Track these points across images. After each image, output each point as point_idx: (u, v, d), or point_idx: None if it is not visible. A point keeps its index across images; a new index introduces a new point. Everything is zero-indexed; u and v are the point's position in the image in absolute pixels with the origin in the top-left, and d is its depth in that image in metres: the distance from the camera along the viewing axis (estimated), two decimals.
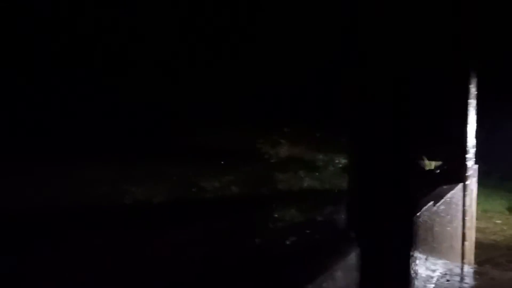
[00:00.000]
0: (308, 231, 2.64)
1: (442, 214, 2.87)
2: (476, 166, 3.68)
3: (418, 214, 2.36)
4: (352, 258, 1.91)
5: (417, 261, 2.41)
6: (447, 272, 2.95)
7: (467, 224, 3.49)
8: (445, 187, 3.17)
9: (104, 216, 2.85)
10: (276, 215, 2.93)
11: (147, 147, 4.44)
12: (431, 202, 2.64)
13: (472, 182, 3.59)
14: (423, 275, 2.52)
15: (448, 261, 3.06)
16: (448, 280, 2.86)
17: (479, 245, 4.78)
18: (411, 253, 2.01)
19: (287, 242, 2.49)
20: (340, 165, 3.94)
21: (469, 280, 3.05)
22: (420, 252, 2.43)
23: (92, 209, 2.95)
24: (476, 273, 3.25)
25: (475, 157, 3.63)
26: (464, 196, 3.40)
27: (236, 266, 2.26)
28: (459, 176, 3.36)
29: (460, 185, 3.33)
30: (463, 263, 3.44)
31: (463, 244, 3.46)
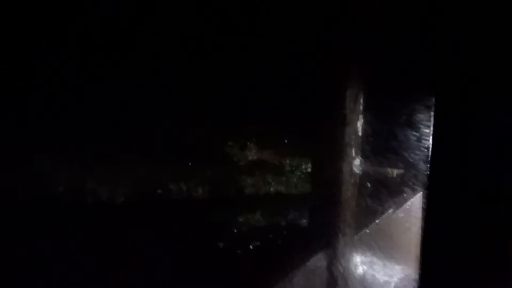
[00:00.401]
0: (271, 236, 2.66)
1: (401, 221, 2.95)
2: None
3: (377, 221, 2.43)
4: (313, 263, 1.94)
5: (375, 267, 2.47)
6: (405, 278, 3.03)
7: None
8: (405, 195, 3.26)
9: (61, 215, 2.77)
10: (240, 219, 2.93)
11: (110, 143, 4.34)
12: (391, 210, 2.71)
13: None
14: (381, 281, 2.58)
15: (406, 267, 3.14)
16: (405, 286, 2.94)
17: None
18: None
19: (250, 247, 2.50)
20: (308, 170, 3.99)
21: (426, 285, 3.15)
22: (378, 258, 2.50)
23: (49, 208, 2.85)
24: None
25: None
26: (423, 203, 3.50)
27: (198, 269, 2.24)
28: (420, 184, 3.46)
29: (420, 193, 3.43)
30: (420, 268, 3.54)
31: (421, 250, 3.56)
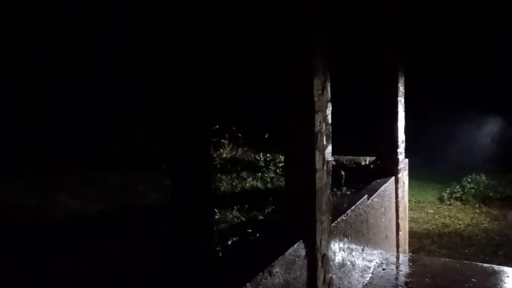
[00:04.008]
0: (249, 230, 2.66)
1: (376, 207, 3.01)
2: (407, 160, 3.90)
3: (353, 207, 2.47)
4: (293, 253, 1.95)
5: (354, 253, 2.51)
6: (383, 262, 3.10)
7: (400, 214, 3.68)
8: (378, 181, 3.33)
9: (36, 228, 2.69)
10: (218, 216, 2.92)
11: (82, 154, 4.26)
12: (366, 196, 2.76)
13: (404, 175, 3.80)
14: (360, 266, 2.62)
15: (384, 251, 3.21)
16: (384, 269, 3.00)
17: (413, 234, 5.06)
18: None
19: (229, 242, 2.49)
20: (281, 165, 4.02)
21: (403, 268, 3.22)
22: (356, 244, 2.53)
23: (23, 222, 2.78)
24: (410, 261, 3.44)
25: (406, 151, 3.85)
26: (396, 188, 3.59)
27: (178, 268, 2.23)
28: (391, 170, 3.55)
29: (393, 178, 3.51)
30: (398, 252, 3.62)
31: (397, 234, 3.65)
